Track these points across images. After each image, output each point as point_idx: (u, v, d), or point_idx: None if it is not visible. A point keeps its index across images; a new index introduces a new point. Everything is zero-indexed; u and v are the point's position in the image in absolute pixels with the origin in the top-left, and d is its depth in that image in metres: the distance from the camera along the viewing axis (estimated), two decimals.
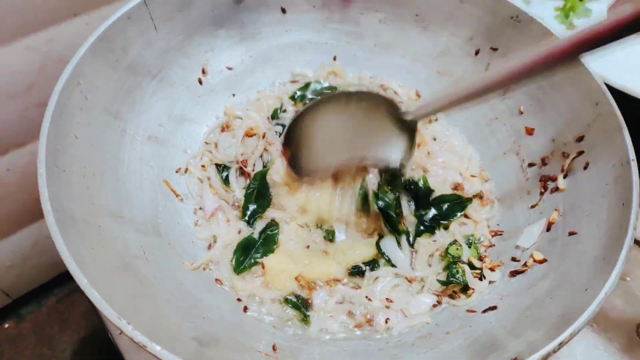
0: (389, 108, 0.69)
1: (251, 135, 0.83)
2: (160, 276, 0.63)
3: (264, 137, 0.83)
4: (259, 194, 0.79)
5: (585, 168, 0.69)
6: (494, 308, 0.65)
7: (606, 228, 0.61)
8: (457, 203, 0.79)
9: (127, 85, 0.73)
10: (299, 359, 0.61)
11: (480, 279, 0.70)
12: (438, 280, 0.71)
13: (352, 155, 0.74)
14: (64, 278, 0.49)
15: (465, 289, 0.70)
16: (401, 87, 0.91)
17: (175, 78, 0.81)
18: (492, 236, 0.77)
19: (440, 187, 0.80)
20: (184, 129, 0.83)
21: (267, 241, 0.74)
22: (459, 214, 0.77)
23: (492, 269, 0.71)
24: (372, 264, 0.73)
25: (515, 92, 0.81)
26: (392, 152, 0.73)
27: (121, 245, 0.62)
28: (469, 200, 0.79)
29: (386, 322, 0.67)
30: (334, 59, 0.94)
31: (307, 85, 0.91)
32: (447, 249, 0.73)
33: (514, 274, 0.69)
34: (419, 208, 0.78)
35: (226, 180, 0.81)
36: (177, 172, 0.80)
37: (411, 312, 0.68)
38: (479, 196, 0.80)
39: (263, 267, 0.71)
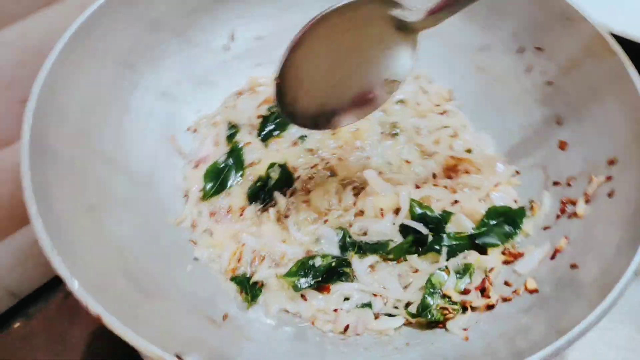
0: (385, 12, 0.58)
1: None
2: (138, 224, 0.64)
3: None
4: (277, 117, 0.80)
5: (609, 196, 0.59)
6: (464, 330, 0.59)
7: (606, 267, 0.52)
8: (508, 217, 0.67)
9: (147, 40, 0.74)
10: (245, 334, 0.60)
11: (464, 312, 0.61)
12: (408, 312, 0.62)
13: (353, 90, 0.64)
14: None
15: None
16: (431, 83, 0.85)
17: (200, 39, 0.81)
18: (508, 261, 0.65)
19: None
20: (202, 91, 0.82)
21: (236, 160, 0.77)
22: (516, 234, 0.66)
23: (490, 306, 0.61)
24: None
25: (555, 99, 0.71)
26: (392, 69, 0.63)
27: (105, 189, 0.63)
28: (522, 212, 0.68)
29: (346, 328, 0.62)
30: None
31: None
32: (430, 276, 0.63)
33: (502, 300, 0.62)
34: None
35: (232, 137, 0.80)
36: (188, 130, 0.80)
37: (374, 327, 0.62)
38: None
39: None
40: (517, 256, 0.65)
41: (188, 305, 0.60)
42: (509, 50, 0.77)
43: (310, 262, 0.65)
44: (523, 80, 0.75)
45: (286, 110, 0.61)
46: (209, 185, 0.75)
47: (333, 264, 0.65)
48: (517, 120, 0.76)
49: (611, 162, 0.61)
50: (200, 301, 0.62)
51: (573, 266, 0.57)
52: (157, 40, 0.76)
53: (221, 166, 0.77)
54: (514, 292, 0.61)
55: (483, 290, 0.62)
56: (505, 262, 0.65)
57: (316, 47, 0.57)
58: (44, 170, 0.55)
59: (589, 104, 0.66)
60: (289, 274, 0.64)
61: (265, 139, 0.80)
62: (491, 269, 0.64)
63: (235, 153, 0.78)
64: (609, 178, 0.61)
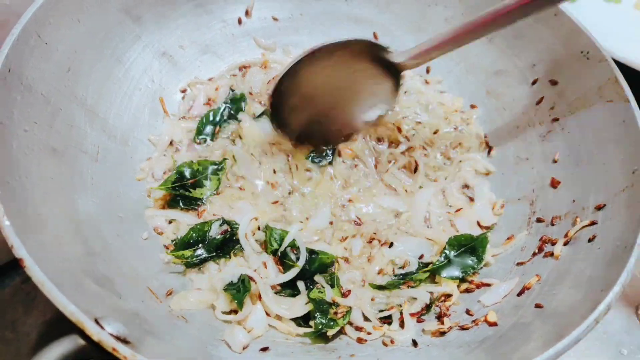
0: (374, 53, 0.67)
1: None
2: (100, 178, 0.63)
3: None
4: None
5: (589, 241, 0.56)
6: (415, 344, 0.57)
7: (568, 313, 0.49)
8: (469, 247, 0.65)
9: None
10: (184, 313, 0.57)
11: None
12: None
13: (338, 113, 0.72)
14: None
15: None
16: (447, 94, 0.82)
17: (215, 8, 0.80)
18: (469, 290, 0.63)
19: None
20: (204, 59, 0.81)
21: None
22: (477, 266, 0.63)
23: (441, 332, 0.58)
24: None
25: (557, 136, 0.69)
26: (377, 102, 0.72)
27: (74, 135, 0.61)
28: (484, 240, 0.65)
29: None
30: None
31: None
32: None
33: (459, 328, 0.59)
34: None
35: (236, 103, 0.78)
36: (182, 91, 0.79)
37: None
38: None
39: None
40: (479, 285, 0.62)
41: (134, 274, 0.57)
42: (523, 80, 0.74)
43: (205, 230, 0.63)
44: (530, 113, 0.73)
45: (277, 123, 0.70)
46: (208, 128, 0.76)
47: (227, 235, 0.64)
48: (515, 151, 0.74)
49: (599, 208, 0.58)
50: (148, 272, 0.59)
51: (538, 306, 0.54)
52: None
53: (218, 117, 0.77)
54: (474, 322, 0.58)
55: (439, 316, 0.60)
56: (466, 291, 0.62)
57: (309, 73, 0.66)
58: (11, 102, 0.53)
59: (590, 147, 0.64)
60: (179, 245, 0.63)
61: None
62: (448, 296, 0.61)
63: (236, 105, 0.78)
64: (593, 222, 0.58)
